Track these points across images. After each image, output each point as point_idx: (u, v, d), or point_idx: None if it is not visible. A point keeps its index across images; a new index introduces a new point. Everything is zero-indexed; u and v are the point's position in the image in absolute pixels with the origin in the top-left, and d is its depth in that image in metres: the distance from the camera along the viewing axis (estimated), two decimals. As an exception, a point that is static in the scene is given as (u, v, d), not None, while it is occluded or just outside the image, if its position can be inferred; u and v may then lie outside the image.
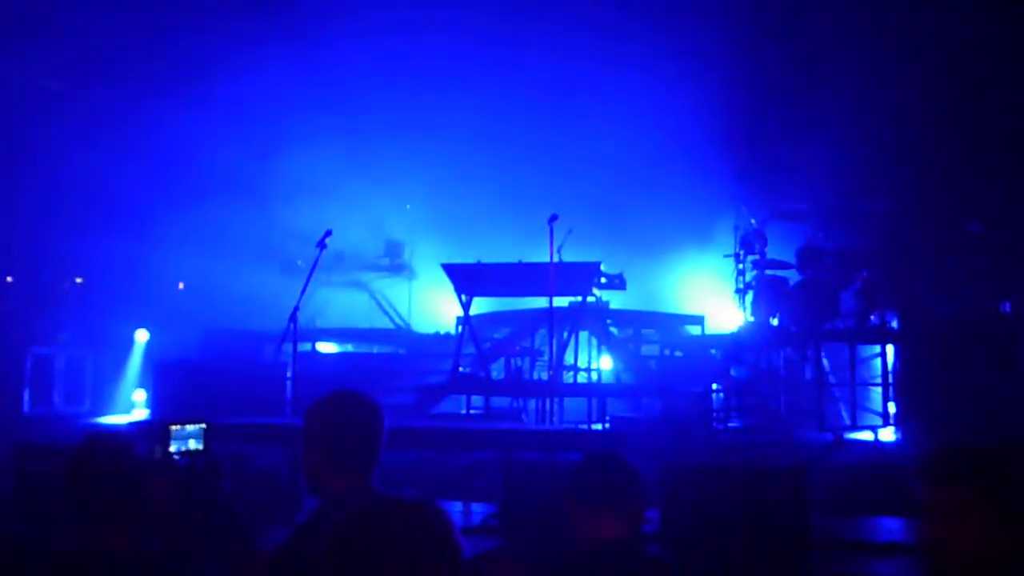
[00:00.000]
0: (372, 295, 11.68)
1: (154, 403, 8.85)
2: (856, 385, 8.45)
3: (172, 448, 2.80)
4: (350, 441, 2.74)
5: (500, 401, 9.12)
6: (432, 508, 1.75)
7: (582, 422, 8.43)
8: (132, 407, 9.86)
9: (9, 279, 10.03)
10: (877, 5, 9.56)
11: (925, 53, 9.24)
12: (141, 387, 9.96)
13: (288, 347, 8.60)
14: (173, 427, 2.81)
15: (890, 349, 8.35)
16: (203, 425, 2.87)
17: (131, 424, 8.49)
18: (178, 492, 2.70)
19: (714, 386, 8.75)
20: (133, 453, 2.66)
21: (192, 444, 2.83)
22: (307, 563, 1.90)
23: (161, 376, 8.75)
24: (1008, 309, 7.92)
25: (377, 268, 11.70)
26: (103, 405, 9.83)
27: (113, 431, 2.97)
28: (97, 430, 2.81)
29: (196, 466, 2.77)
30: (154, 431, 2.85)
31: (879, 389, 8.37)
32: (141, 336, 10.31)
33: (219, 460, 2.83)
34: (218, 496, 2.73)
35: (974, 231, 8.21)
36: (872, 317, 8.62)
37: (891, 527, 5.54)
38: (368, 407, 2.83)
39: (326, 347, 10.77)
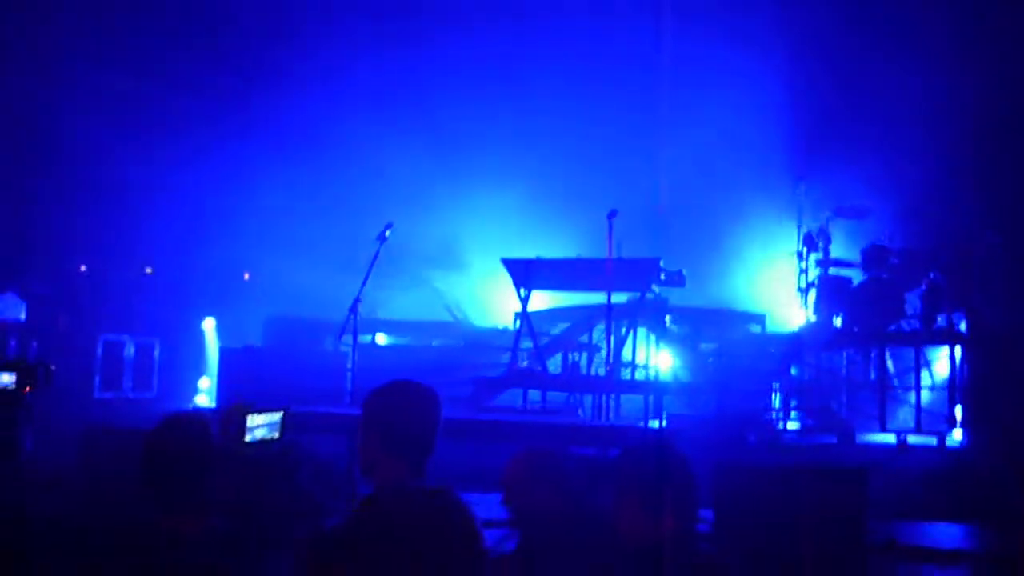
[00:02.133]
0: (431, 289, 11.77)
1: (218, 390, 9.07)
2: (921, 388, 8.28)
3: (248, 436, 2.86)
4: (406, 429, 2.80)
5: (557, 396, 9.15)
6: (451, 496, 1.79)
7: (639, 419, 8.39)
8: (197, 393, 10.11)
9: (83, 268, 10.34)
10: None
11: (996, 50, 9.01)
12: (207, 375, 10.22)
13: (348, 338, 8.74)
14: (250, 415, 2.88)
15: (957, 352, 8.16)
16: (281, 413, 2.93)
17: (208, 409, 8.73)
18: (253, 477, 2.78)
19: (774, 385, 8.65)
20: (211, 436, 2.74)
21: (269, 431, 2.89)
22: (355, 545, 1.95)
23: (225, 363, 8.96)
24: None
25: (436, 263, 11.79)
26: (171, 391, 10.09)
27: (192, 414, 3.06)
28: (177, 412, 2.89)
29: (273, 453, 2.84)
30: (231, 417, 2.92)
31: (945, 393, 8.19)
32: (208, 324, 10.57)
33: (295, 449, 2.90)
34: (294, 483, 2.80)
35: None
36: (939, 319, 8.42)
37: (954, 534, 5.42)
38: (426, 397, 2.89)
39: (385, 339, 10.91)
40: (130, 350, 9.96)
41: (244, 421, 2.82)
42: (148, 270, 10.77)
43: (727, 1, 9.92)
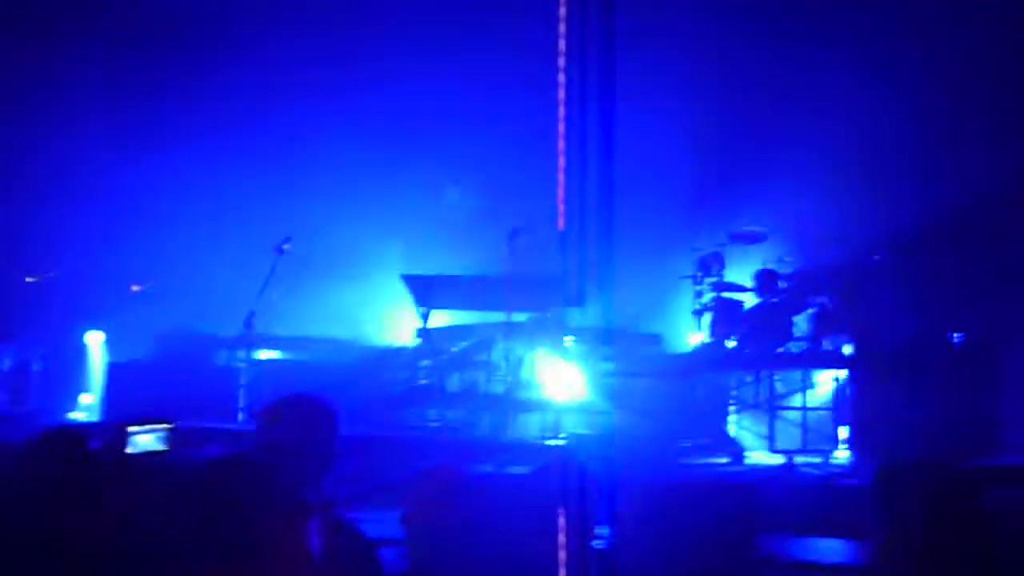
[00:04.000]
0: (330, 304, 11.55)
1: (105, 405, 8.71)
2: (808, 409, 8.57)
3: (130, 448, 2.76)
4: (303, 445, 2.73)
5: (455, 415, 9.11)
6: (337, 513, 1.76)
7: (537, 438, 8.43)
8: (78, 409, 9.67)
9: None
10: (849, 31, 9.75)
11: (888, 77, 9.48)
12: (90, 390, 9.78)
13: (242, 353, 8.54)
14: (132, 427, 2.76)
15: (843, 374, 8.49)
16: (169, 425, 2.83)
17: (90, 423, 8.36)
18: (136, 487, 2.67)
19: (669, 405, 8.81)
20: (86, 448, 2.62)
21: (155, 443, 2.78)
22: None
23: (112, 378, 8.62)
24: (959, 338, 8.08)
25: (336, 278, 11.60)
26: (50, 407, 9.63)
27: (68, 427, 2.92)
28: (52, 426, 2.76)
29: (158, 463, 2.74)
30: (111, 431, 2.81)
31: (830, 414, 8.50)
32: (93, 338, 10.13)
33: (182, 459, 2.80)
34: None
35: (926, 260, 8.38)
36: (825, 342, 8.76)
37: (837, 548, 5.60)
38: (323, 412, 2.83)
39: (280, 355, 10.66)
40: (7, 363, 9.48)
41: (126, 433, 2.70)
42: (30, 279, 10.28)
43: (628, 23, 10.11)
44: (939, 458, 5.35)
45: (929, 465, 2.57)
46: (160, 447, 2.77)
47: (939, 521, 2.41)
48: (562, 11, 3.22)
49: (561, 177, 3.43)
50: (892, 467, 2.53)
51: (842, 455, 8.10)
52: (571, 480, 3.00)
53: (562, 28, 3.21)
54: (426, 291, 9.12)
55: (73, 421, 8.19)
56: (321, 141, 10.87)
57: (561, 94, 3.24)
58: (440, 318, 9.84)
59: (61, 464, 2.52)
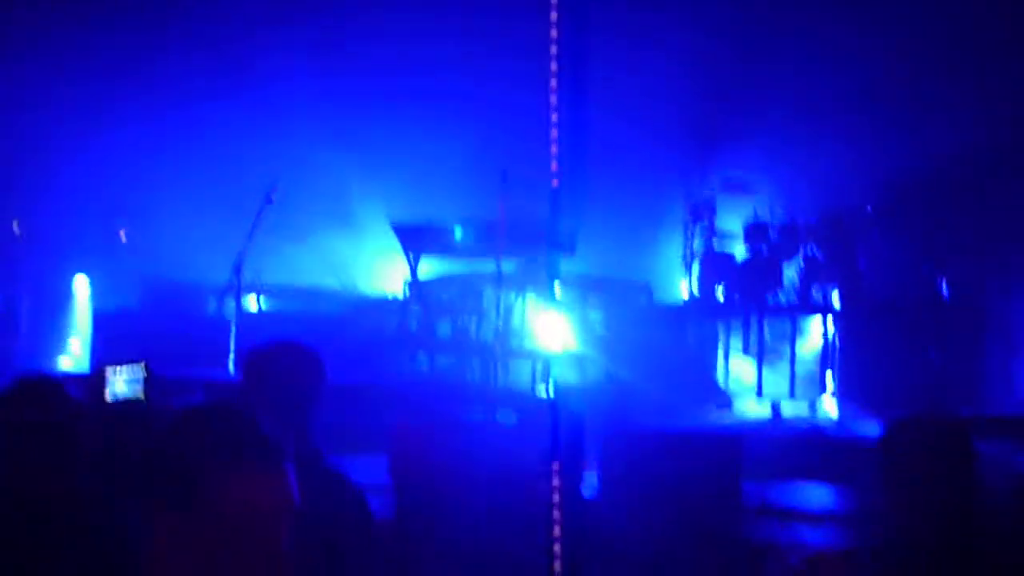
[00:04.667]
0: (319, 252, 11.48)
1: (92, 354, 8.68)
2: (795, 357, 8.63)
3: (109, 392, 2.73)
4: (288, 392, 2.71)
5: (446, 362, 9.13)
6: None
7: (527, 386, 8.47)
8: (66, 355, 9.64)
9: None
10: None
11: (879, 24, 9.37)
12: (77, 335, 9.74)
13: (231, 301, 8.49)
14: (109, 368, 2.74)
15: (830, 322, 8.53)
16: (142, 363, 2.80)
17: (75, 372, 8.32)
18: (116, 433, 2.65)
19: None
20: (66, 395, 2.59)
21: (131, 388, 2.76)
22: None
23: (99, 327, 8.57)
24: (946, 288, 8.10)
25: (324, 224, 11.51)
26: (36, 352, 9.59)
27: (44, 374, 2.88)
28: (28, 373, 2.72)
29: (137, 407, 2.71)
30: (90, 376, 2.79)
31: (818, 361, 8.57)
32: (80, 283, 10.06)
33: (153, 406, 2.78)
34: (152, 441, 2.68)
35: (913, 208, 8.36)
36: (814, 291, 8.77)
37: (822, 495, 5.67)
38: (308, 357, 2.80)
39: (269, 303, 10.63)
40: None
41: (104, 376, 2.67)
42: (15, 224, 10.17)
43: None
44: (934, 410, 5.39)
45: (943, 420, 2.59)
46: (138, 395, 2.74)
47: (953, 476, 2.44)
48: None
49: (554, 118, 3.38)
50: (904, 422, 2.55)
51: (828, 402, 8.16)
52: (559, 429, 2.99)
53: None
54: (415, 238, 9.06)
55: (51, 370, 8.15)
56: (309, 86, 10.70)
57: (553, 33, 3.17)
58: (430, 265, 9.79)
59: (36, 413, 2.47)
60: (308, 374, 2.77)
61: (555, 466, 2.84)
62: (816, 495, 5.65)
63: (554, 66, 3.15)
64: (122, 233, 10.73)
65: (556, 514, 2.65)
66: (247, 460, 1.65)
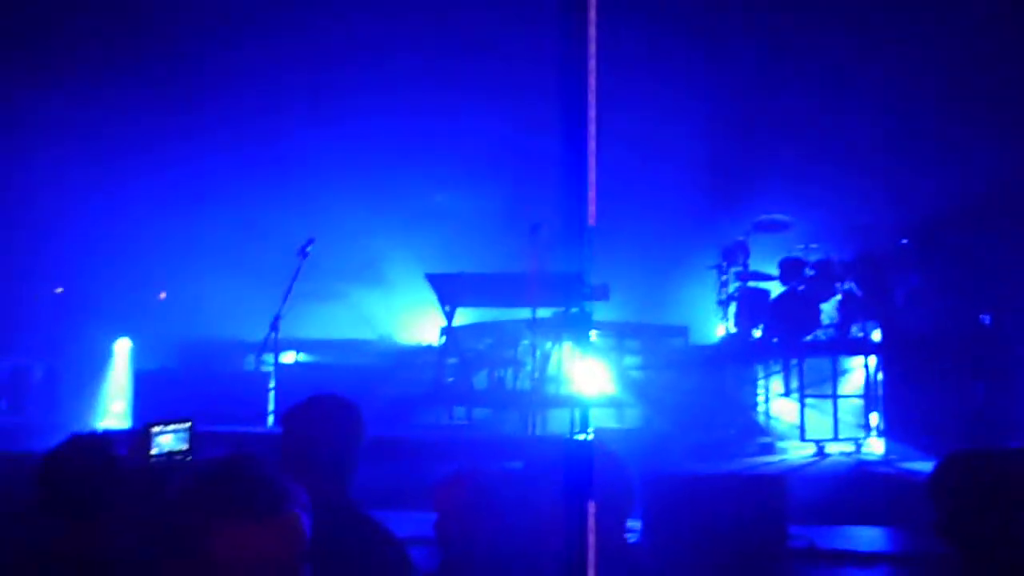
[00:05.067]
0: (354, 306, 11.58)
1: (134, 413, 8.77)
2: (838, 397, 8.49)
3: (154, 450, 2.77)
4: (328, 446, 2.72)
5: (482, 413, 9.11)
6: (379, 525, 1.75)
7: (566, 433, 8.40)
8: (108, 417, 9.75)
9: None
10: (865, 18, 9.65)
11: (905, 65, 9.37)
12: (118, 398, 9.87)
13: (270, 357, 8.57)
14: (154, 427, 2.78)
15: (872, 360, 8.40)
16: (188, 423, 2.84)
17: (119, 430, 8.41)
18: (161, 491, 2.67)
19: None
20: (113, 453, 2.62)
21: (176, 443, 2.80)
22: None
23: (140, 386, 8.67)
24: (988, 321, 7.97)
25: (358, 279, 11.63)
26: (79, 415, 9.72)
27: (93, 433, 2.94)
28: (78, 433, 2.78)
29: (182, 465, 2.75)
30: (138, 433, 2.83)
31: (862, 401, 8.43)
32: (121, 346, 10.23)
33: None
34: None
35: (952, 242, 8.26)
36: (854, 328, 8.66)
37: (871, 537, 5.55)
38: (347, 412, 2.81)
39: (307, 358, 10.71)
40: (38, 374, 9.58)
41: (150, 435, 2.72)
42: (58, 290, 10.39)
43: (647, 17, 10.06)
44: (981, 444, 5.28)
45: (994, 454, 2.55)
46: (182, 446, 2.78)
47: (1007, 512, 2.40)
48: (591, 15, 3.19)
49: (592, 176, 3.41)
50: (955, 458, 2.51)
51: (874, 443, 8.01)
52: (601, 475, 2.97)
53: (591, 31, 3.18)
54: (451, 289, 9.12)
55: (99, 429, 8.25)
56: (341, 147, 10.90)
57: (592, 82, 3.21)
58: (465, 316, 9.83)
59: (85, 472, 2.51)
60: (347, 428, 2.78)
61: (591, 507, 2.82)
62: (865, 536, 5.53)
63: (592, 112, 3.19)
64: (162, 295, 10.92)
65: (591, 556, 2.62)
66: (256, 508, 1.66)
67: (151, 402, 8.31)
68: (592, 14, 3.04)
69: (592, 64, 3.16)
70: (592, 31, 3.12)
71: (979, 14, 8.92)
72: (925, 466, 5.85)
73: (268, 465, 1.79)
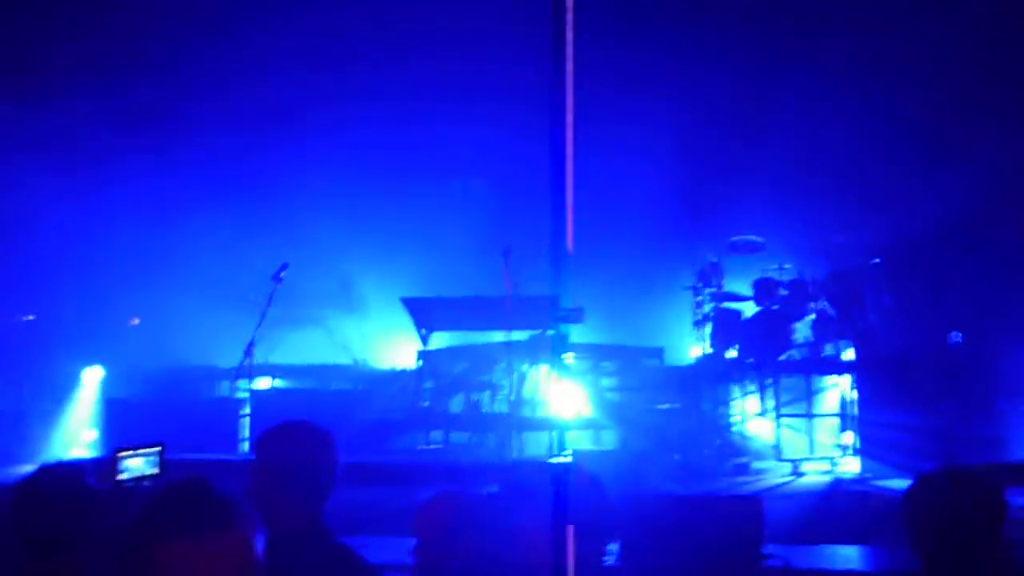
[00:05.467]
0: (328, 330, 11.51)
1: (104, 442, 8.66)
2: (813, 416, 8.55)
3: (123, 475, 2.75)
4: (300, 473, 2.70)
5: (459, 436, 9.07)
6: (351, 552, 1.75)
7: (543, 456, 8.38)
8: (78, 446, 9.60)
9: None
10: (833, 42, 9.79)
11: (874, 90, 9.51)
12: (89, 426, 9.72)
13: (244, 383, 8.50)
14: (122, 452, 2.76)
15: (846, 380, 8.46)
16: (157, 448, 2.82)
17: (85, 458, 8.29)
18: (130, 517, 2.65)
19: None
20: (84, 481, 2.60)
21: (146, 468, 2.78)
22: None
23: (111, 414, 8.57)
24: (959, 339, 8.05)
25: (333, 304, 11.58)
26: (47, 445, 9.56)
27: (64, 462, 2.91)
28: (48, 462, 2.75)
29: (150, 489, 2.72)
30: (105, 461, 2.81)
31: (836, 420, 8.48)
32: (92, 374, 10.09)
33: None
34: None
35: (922, 262, 8.36)
36: (827, 348, 8.73)
37: (847, 555, 5.55)
38: (319, 438, 2.79)
39: (281, 383, 10.64)
40: (5, 403, 9.42)
41: (117, 459, 2.70)
42: (29, 317, 10.25)
43: (618, 42, 10.16)
44: (954, 462, 5.32)
45: (969, 471, 2.58)
46: (151, 470, 2.75)
47: (982, 527, 2.42)
48: (569, 50, 3.22)
49: (569, 200, 3.43)
50: (930, 476, 2.54)
51: (849, 461, 8.05)
52: (579, 498, 2.97)
53: (569, 51, 3.21)
54: (426, 313, 9.11)
55: (65, 458, 8.11)
56: (314, 171, 10.89)
57: (569, 100, 3.24)
58: (441, 340, 9.81)
59: (55, 502, 2.49)
60: (319, 455, 2.75)
61: (570, 531, 2.82)
62: (840, 554, 5.54)
63: (569, 134, 3.22)
64: (134, 321, 10.81)
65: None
66: (203, 526, 1.68)
67: (122, 430, 8.20)
68: (569, 49, 3.07)
69: (569, 83, 3.19)
70: (570, 56, 3.16)
71: (952, 40, 9.07)
72: (900, 484, 5.88)
73: (217, 487, 1.81)
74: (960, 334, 7.96)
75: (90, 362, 10.10)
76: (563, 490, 2.98)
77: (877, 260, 8.83)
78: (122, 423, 8.41)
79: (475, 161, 10.77)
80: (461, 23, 10.31)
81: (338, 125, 10.80)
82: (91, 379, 10.04)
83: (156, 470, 2.79)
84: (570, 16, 3.13)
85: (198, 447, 7.15)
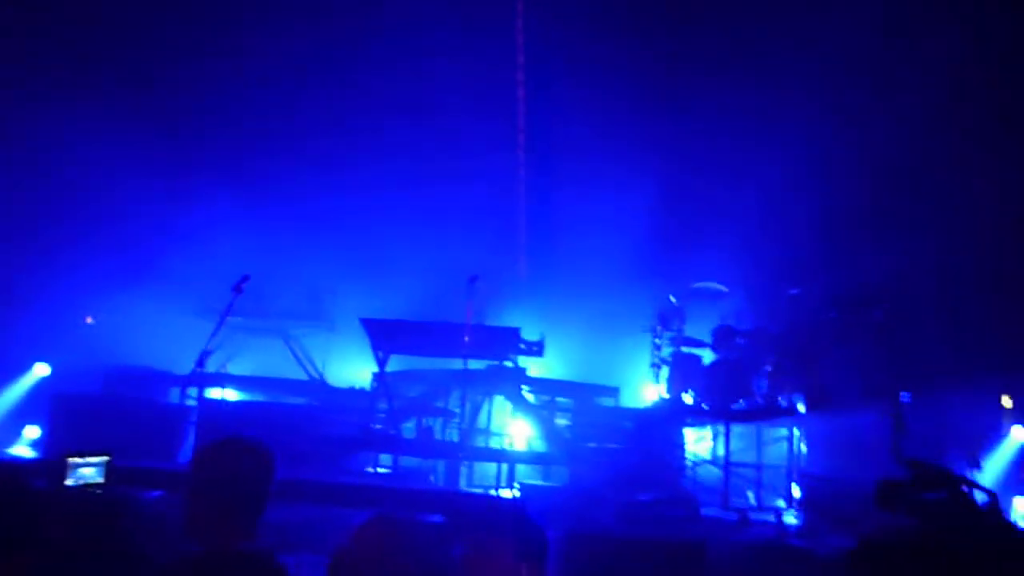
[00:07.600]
0: (288, 344, 11.40)
1: (47, 439, 8.46)
2: (762, 467, 8.60)
3: (70, 480, 2.71)
4: (235, 488, 2.67)
5: (410, 461, 9.01)
6: (268, 559, 1.73)
7: (491, 487, 8.35)
8: (21, 444, 9.39)
9: None
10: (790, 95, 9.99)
11: (829, 141, 9.72)
12: (35, 423, 9.51)
13: (194, 391, 8.39)
14: (71, 458, 2.72)
15: (796, 432, 8.54)
16: (106, 457, 2.79)
17: (31, 459, 8.10)
18: (75, 520, 2.60)
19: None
20: (32, 483, 2.56)
21: (94, 475, 2.74)
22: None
23: (57, 411, 8.37)
24: (907, 400, 8.16)
25: (296, 316, 11.48)
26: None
27: (8, 462, 2.85)
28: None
29: (96, 497, 2.69)
30: (52, 464, 2.76)
31: (784, 471, 8.54)
32: (40, 370, 9.90)
33: (121, 496, 2.75)
34: (117, 528, 2.65)
35: (876, 319, 8.47)
36: (780, 399, 8.81)
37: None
38: (259, 456, 2.77)
39: (235, 394, 10.50)
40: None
41: (65, 464, 2.66)
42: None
43: (584, 86, 10.29)
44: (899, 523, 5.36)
45: (905, 535, 2.62)
46: (98, 479, 2.72)
47: None
48: (520, 91, 3.27)
49: (523, 232, 3.48)
50: (871, 540, 2.57)
51: (794, 513, 8.10)
52: (523, 532, 2.96)
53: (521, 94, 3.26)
54: (385, 335, 9.06)
55: (10, 457, 7.91)
56: (282, 185, 10.86)
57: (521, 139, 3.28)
58: (398, 363, 9.76)
59: (5, 501, 2.43)
60: (256, 472, 2.73)
61: (522, 569, 2.81)
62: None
63: (523, 173, 3.27)
64: (89, 319, 10.64)
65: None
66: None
67: (67, 429, 8.02)
68: (521, 90, 3.13)
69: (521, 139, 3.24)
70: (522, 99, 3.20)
71: (908, 93, 9.28)
72: (843, 541, 5.93)
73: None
74: (909, 395, 8.07)
75: (36, 359, 9.92)
76: (505, 527, 2.97)
77: (833, 314, 8.94)
78: (67, 421, 8.21)
79: (444, 188, 10.81)
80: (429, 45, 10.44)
81: (323, 135, 10.84)
82: (39, 375, 9.85)
83: (101, 479, 2.75)
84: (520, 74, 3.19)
85: (142, 451, 7.01)
